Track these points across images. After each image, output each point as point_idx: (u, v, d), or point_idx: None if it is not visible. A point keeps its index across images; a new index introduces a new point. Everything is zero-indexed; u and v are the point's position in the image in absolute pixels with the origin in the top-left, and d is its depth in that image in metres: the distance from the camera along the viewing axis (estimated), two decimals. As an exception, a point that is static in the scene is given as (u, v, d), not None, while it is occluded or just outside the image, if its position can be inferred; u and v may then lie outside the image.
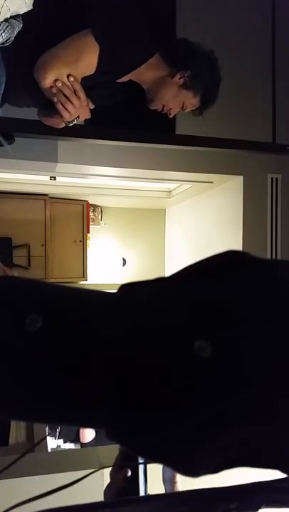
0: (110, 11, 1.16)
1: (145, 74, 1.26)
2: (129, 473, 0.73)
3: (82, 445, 2.72)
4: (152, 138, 1.66)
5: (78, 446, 2.74)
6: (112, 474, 0.76)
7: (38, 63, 1.14)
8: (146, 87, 1.31)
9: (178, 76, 1.26)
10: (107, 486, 0.74)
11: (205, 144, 1.76)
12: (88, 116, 1.27)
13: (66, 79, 1.14)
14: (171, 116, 1.37)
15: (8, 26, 1.06)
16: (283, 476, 0.47)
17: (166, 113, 1.36)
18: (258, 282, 0.49)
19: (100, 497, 0.72)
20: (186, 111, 1.36)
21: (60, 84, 1.13)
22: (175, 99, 1.31)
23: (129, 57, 1.19)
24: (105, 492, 0.74)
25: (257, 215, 2.88)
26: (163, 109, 1.34)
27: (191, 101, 1.32)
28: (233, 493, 0.45)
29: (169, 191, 4.22)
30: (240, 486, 0.46)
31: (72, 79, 1.14)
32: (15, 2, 1.03)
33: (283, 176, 2.89)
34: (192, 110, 1.36)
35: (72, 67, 1.14)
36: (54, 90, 1.14)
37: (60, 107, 1.17)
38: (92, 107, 1.25)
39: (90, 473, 0.66)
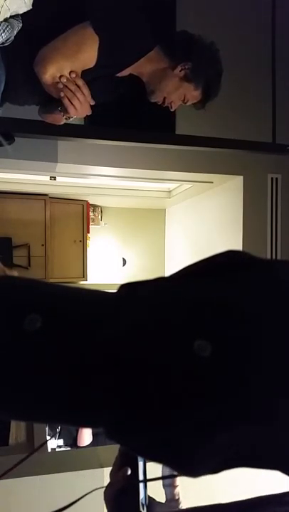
0: (109, 3, 1.15)
1: (145, 67, 1.24)
2: (129, 473, 0.73)
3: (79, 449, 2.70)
4: (152, 138, 1.66)
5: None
6: (111, 474, 0.76)
7: (38, 57, 1.13)
8: (147, 79, 1.29)
9: (179, 68, 1.24)
10: (107, 486, 0.74)
11: (205, 144, 1.76)
12: (89, 112, 1.24)
13: (68, 74, 1.13)
14: (172, 110, 1.35)
15: (8, 26, 1.06)
16: (284, 477, 0.47)
17: (168, 107, 1.33)
18: (257, 282, 0.49)
19: (99, 497, 0.72)
20: (187, 104, 1.33)
21: (65, 80, 1.13)
22: (176, 92, 1.28)
23: (129, 49, 1.18)
24: (105, 492, 0.74)
25: (257, 215, 2.88)
26: (164, 102, 1.32)
27: (193, 93, 1.29)
28: (238, 508, 0.44)
29: (169, 191, 4.22)
30: (245, 500, 0.46)
31: (74, 75, 1.14)
32: (15, 2, 1.03)
33: (283, 176, 2.89)
34: (194, 103, 1.34)
35: (71, 59, 1.13)
36: (60, 86, 1.14)
37: (67, 102, 1.16)
38: (92, 103, 1.23)
39: (92, 491, 0.65)
